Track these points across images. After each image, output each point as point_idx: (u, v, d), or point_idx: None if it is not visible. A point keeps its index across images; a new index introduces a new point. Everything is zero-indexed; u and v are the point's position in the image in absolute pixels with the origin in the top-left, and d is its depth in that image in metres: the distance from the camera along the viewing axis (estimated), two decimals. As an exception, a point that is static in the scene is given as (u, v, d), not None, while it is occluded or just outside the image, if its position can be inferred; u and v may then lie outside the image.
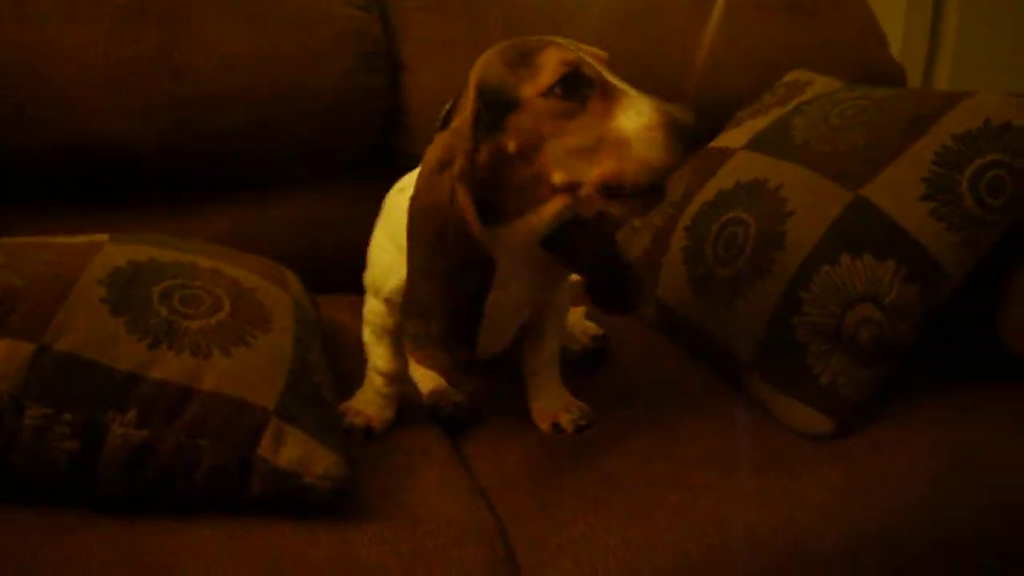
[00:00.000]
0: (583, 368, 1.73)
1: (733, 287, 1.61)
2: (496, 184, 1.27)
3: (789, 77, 2.01)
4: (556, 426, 1.54)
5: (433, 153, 1.27)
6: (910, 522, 1.40)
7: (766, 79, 2.10)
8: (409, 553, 1.22)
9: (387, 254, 1.42)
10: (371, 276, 1.49)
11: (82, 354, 1.18)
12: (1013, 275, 1.60)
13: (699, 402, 1.61)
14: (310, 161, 2.07)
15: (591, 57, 1.26)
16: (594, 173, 1.21)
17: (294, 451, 1.20)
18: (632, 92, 1.22)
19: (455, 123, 1.28)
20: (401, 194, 1.37)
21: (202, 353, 1.22)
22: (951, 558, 1.43)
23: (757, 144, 1.78)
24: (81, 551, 1.14)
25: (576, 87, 1.21)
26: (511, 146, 1.24)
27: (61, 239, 1.38)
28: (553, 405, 1.57)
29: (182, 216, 1.97)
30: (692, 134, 1.17)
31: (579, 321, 1.80)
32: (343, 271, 1.61)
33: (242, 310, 1.32)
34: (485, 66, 1.29)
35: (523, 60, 1.24)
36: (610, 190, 1.22)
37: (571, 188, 1.24)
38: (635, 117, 1.18)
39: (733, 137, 1.88)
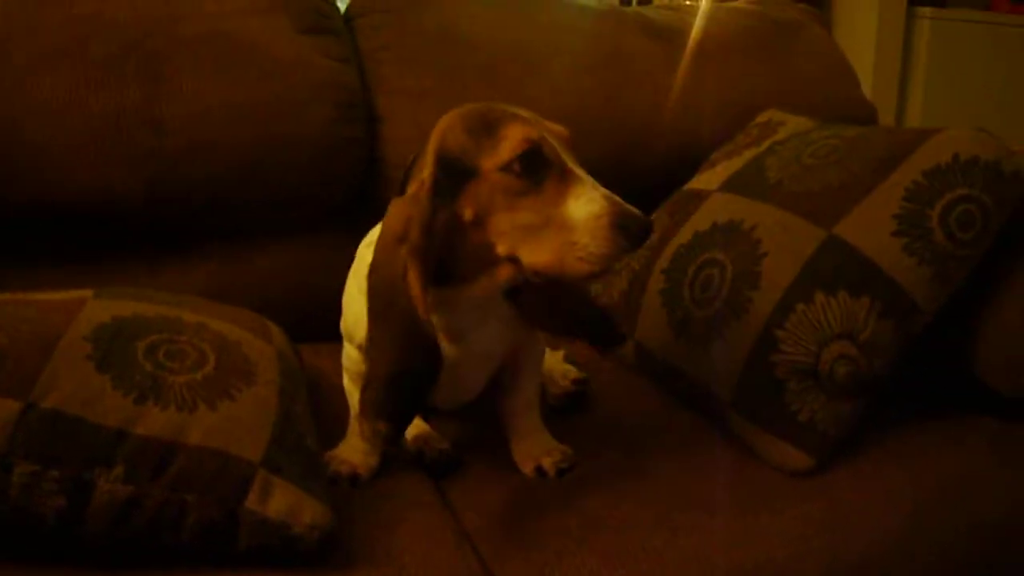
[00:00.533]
0: (564, 411, 1.75)
1: (711, 328, 1.63)
2: (452, 248, 1.29)
3: (762, 118, 2.04)
4: (539, 470, 1.55)
5: (390, 223, 1.29)
6: (890, 553, 1.42)
7: (739, 120, 2.13)
8: (395, 601, 1.23)
9: (357, 304, 1.43)
10: (345, 324, 1.52)
11: (68, 411, 1.18)
12: (984, 309, 1.63)
13: (681, 442, 1.62)
14: (291, 210, 2.08)
15: (553, 135, 1.29)
16: (532, 259, 1.24)
17: (281, 502, 1.21)
18: (587, 180, 1.24)
19: (412, 189, 1.30)
20: (369, 248, 1.38)
21: (187, 407, 1.23)
22: (931, 588, 1.44)
23: (732, 185, 1.81)
24: (67, 607, 1.13)
25: (534, 166, 1.24)
26: (467, 213, 1.27)
27: (44, 295, 1.39)
28: (535, 449, 1.57)
29: (163, 268, 1.97)
30: (639, 230, 1.21)
31: (558, 364, 1.81)
32: (326, 319, 1.62)
33: (227, 363, 1.32)
34: (446, 131, 1.31)
35: (486, 130, 1.27)
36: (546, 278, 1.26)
37: (514, 261, 1.27)
38: (585, 205, 1.21)
39: (708, 179, 1.90)
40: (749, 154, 1.87)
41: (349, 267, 1.52)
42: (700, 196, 1.86)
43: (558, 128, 1.33)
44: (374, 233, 1.46)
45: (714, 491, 1.48)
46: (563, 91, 2.25)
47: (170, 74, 1.90)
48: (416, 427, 1.66)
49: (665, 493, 1.47)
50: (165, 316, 1.37)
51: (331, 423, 1.59)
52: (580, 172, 1.25)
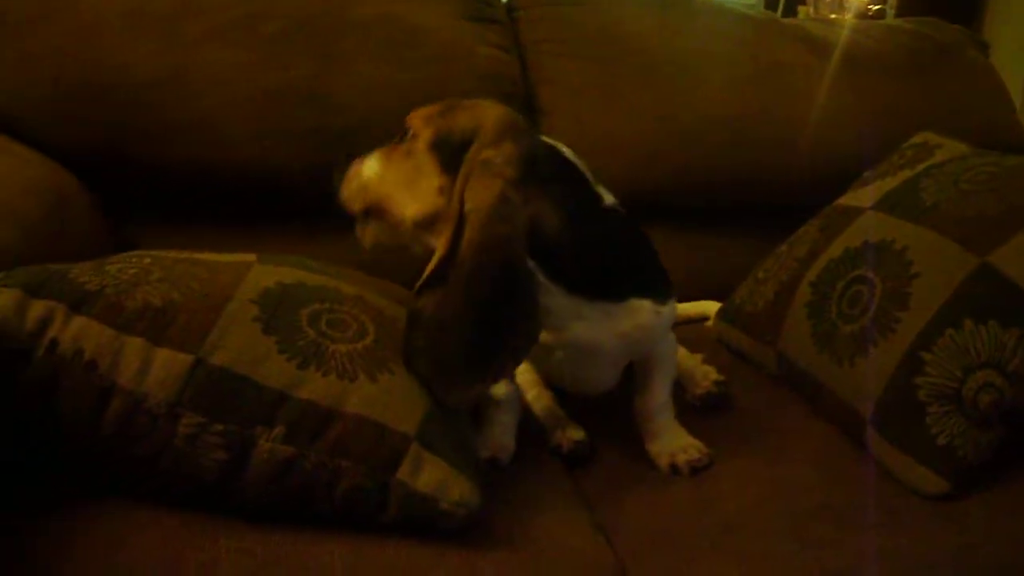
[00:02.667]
0: (703, 412, 1.76)
1: (856, 344, 1.63)
2: None
3: (917, 139, 2.01)
4: (673, 467, 1.57)
5: None
6: (1022, 585, 1.40)
7: (889, 139, 2.11)
8: (533, 584, 1.25)
9: None
10: None
11: (235, 369, 1.22)
12: None
13: (817, 454, 1.62)
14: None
15: None
16: None
17: (432, 477, 1.23)
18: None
19: None
20: None
21: (348, 376, 1.26)
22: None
23: (885, 205, 1.79)
24: (219, 558, 1.17)
25: None
26: None
27: (209, 256, 1.43)
28: (670, 445, 1.59)
29: (318, 237, 2.01)
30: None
31: (698, 365, 1.82)
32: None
33: (385, 338, 1.35)
34: None
35: None
36: None
37: None
38: None
39: (861, 196, 1.89)
40: (904, 175, 1.86)
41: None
42: (852, 213, 1.85)
43: None
44: None
45: (848, 507, 1.47)
46: (720, 100, 2.27)
47: (338, 53, 1.96)
48: (546, 408, 1.70)
49: (800, 503, 1.47)
50: (325, 286, 1.41)
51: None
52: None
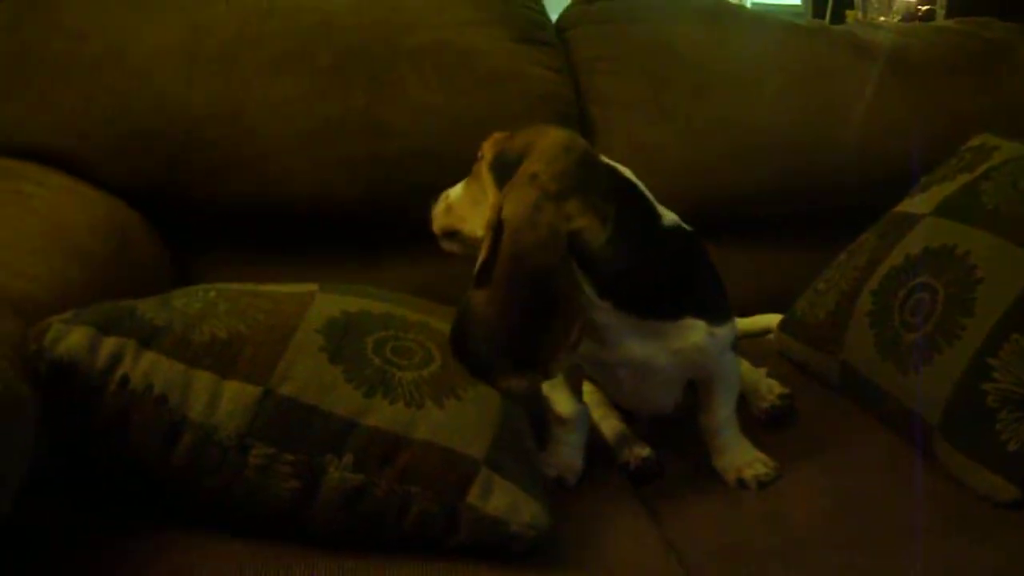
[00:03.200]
0: (769, 426, 1.76)
1: (920, 352, 1.62)
2: None
3: (975, 142, 1.99)
4: (740, 481, 1.57)
5: None
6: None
7: (945, 141, 2.09)
8: (603, 601, 1.25)
9: None
10: None
11: (303, 399, 1.23)
12: None
13: (883, 463, 1.61)
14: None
15: None
16: None
17: (502, 500, 1.24)
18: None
19: None
20: None
21: (415, 404, 1.27)
22: None
23: (945, 210, 1.78)
24: (292, 585, 1.18)
25: None
26: None
27: (272, 287, 1.44)
28: (737, 459, 1.60)
29: (377, 265, 2.05)
30: None
31: (763, 379, 1.82)
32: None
33: (451, 364, 1.36)
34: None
35: None
36: None
37: None
38: None
39: (920, 202, 1.88)
40: (963, 179, 1.84)
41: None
42: (912, 219, 1.84)
43: None
44: None
45: (917, 515, 1.46)
46: (772, 110, 2.26)
47: (392, 81, 1.98)
48: (613, 427, 1.71)
49: (868, 514, 1.47)
50: (390, 313, 1.42)
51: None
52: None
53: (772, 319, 2.15)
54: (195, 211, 1.98)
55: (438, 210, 1.59)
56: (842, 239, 2.06)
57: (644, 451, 1.63)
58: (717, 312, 1.50)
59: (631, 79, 2.21)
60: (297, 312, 1.35)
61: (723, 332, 1.51)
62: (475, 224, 1.48)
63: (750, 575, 1.34)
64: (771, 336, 2.13)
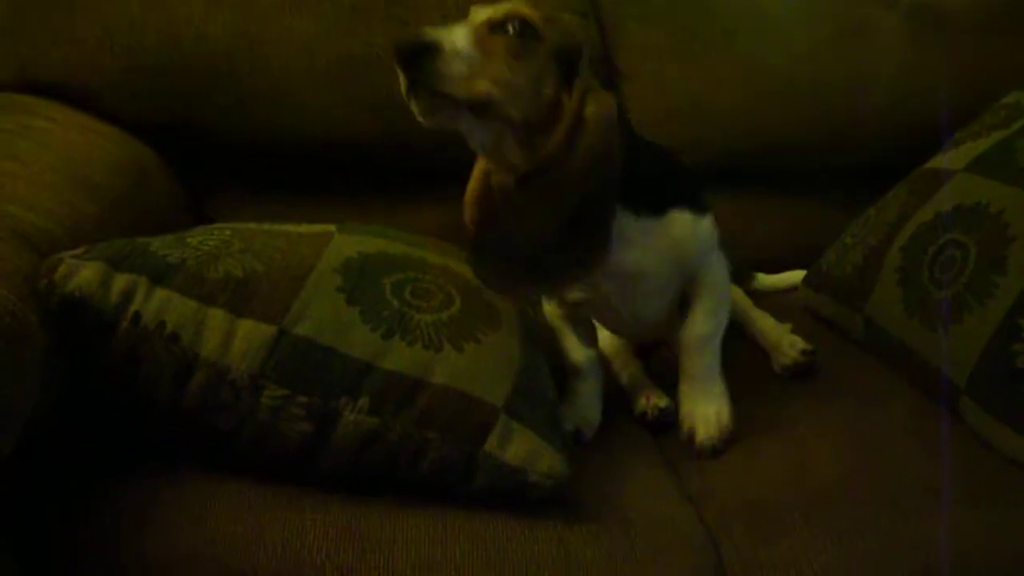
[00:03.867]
0: (790, 381, 1.74)
1: (949, 310, 1.58)
2: None
3: (1010, 99, 1.95)
4: (690, 433, 1.54)
5: None
6: None
7: (979, 98, 2.06)
8: (622, 555, 1.24)
9: None
10: None
11: (319, 340, 1.22)
12: None
13: (908, 422, 1.58)
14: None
15: None
16: None
17: (520, 448, 1.23)
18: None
19: None
20: None
21: (434, 347, 1.25)
22: None
23: (978, 166, 1.74)
24: (303, 527, 1.18)
25: None
26: None
27: (289, 227, 1.43)
28: (698, 406, 1.55)
29: (398, 207, 2.03)
30: (402, 52, 1.24)
31: (785, 335, 1.80)
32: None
33: (472, 307, 1.34)
34: None
35: None
36: None
37: None
38: None
39: (952, 159, 1.84)
40: (997, 136, 1.80)
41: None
42: (943, 176, 1.80)
43: None
44: None
45: (943, 477, 1.43)
46: (802, 60, 2.23)
47: (414, 19, 1.94)
48: (637, 379, 1.70)
49: (892, 473, 1.44)
50: (409, 255, 1.41)
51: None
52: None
53: (799, 275, 2.12)
54: (211, 148, 1.94)
55: (454, 70, 1.24)
56: (872, 195, 2.03)
57: (662, 401, 1.62)
58: (699, 205, 1.49)
59: (658, 25, 2.17)
60: (314, 252, 1.33)
61: (706, 223, 1.50)
62: (522, 108, 1.31)
63: (771, 530, 1.32)
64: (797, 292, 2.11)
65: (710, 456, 1.52)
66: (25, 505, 1.14)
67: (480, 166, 1.47)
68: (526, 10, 1.33)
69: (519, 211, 1.34)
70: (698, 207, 1.49)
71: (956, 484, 1.41)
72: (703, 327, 1.56)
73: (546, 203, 1.30)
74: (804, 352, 1.76)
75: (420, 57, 1.23)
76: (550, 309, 1.59)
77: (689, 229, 1.47)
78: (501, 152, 1.36)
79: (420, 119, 1.29)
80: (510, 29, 1.30)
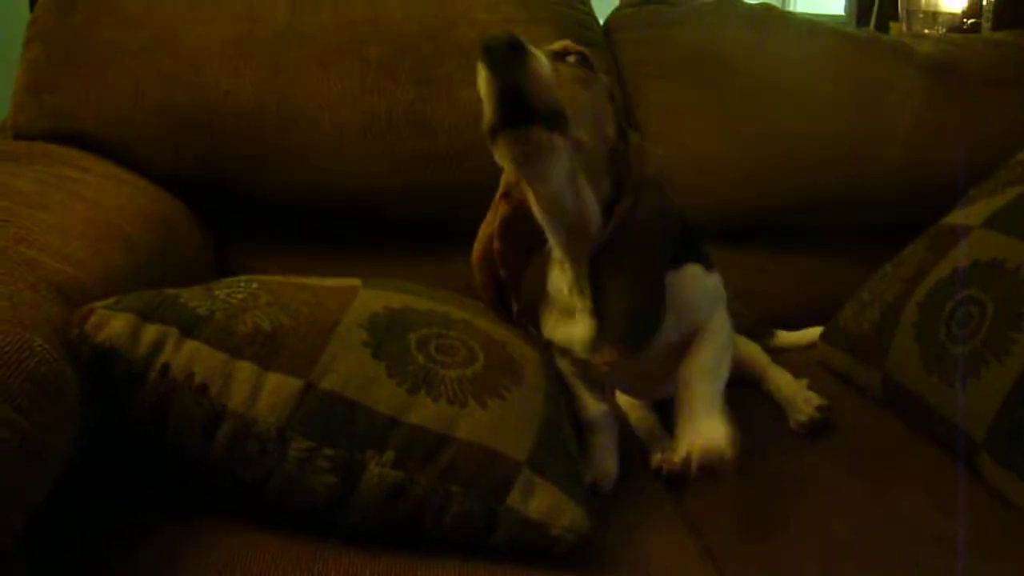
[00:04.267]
0: (806, 438, 1.75)
1: (967, 366, 1.59)
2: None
3: (1024, 155, 1.98)
4: (685, 460, 1.39)
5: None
6: None
7: (996, 155, 2.07)
8: (642, 609, 1.24)
9: None
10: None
11: (345, 394, 1.23)
12: None
13: (926, 478, 1.59)
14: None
15: None
16: None
17: (543, 503, 1.24)
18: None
19: None
20: None
21: (458, 402, 1.26)
22: None
23: (995, 223, 1.75)
24: (327, 580, 1.18)
25: None
26: None
27: (315, 280, 1.44)
28: (696, 434, 1.41)
29: (418, 262, 2.03)
30: (492, 51, 1.16)
31: (801, 391, 1.81)
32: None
33: (495, 363, 1.36)
34: None
35: None
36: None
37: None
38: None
39: (968, 215, 1.85)
40: (1013, 192, 1.81)
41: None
42: (960, 232, 1.81)
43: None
44: None
45: (962, 534, 1.44)
46: (822, 118, 2.26)
47: (440, 77, 1.98)
48: (653, 433, 1.72)
49: (909, 529, 1.45)
50: (434, 310, 1.42)
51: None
52: None
53: (818, 332, 2.13)
54: (239, 202, 1.97)
55: (543, 71, 1.19)
56: (887, 249, 2.05)
57: (677, 456, 1.60)
58: (708, 261, 1.52)
59: (678, 83, 2.20)
60: (340, 306, 1.35)
61: (715, 279, 1.53)
62: (592, 133, 1.31)
63: (790, 588, 1.32)
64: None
65: (709, 477, 1.38)
66: (45, 550, 1.15)
67: (486, 227, 1.50)
68: (583, 47, 1.36)
69: (616, 284, 1.37)
70: (707, 263, 1.51)
71: (972, 538, 1.42)
72: (703, 359, 1.50)
73: (641, 268, 1.35)
74: (819, 408, 1.76)
75: (511, 57, 1.16)
76: (563, 365, 1.58)
77: (701, 283, 1.50)
78: (578, 201, 1.35)
79: (503, 155, 1.25)
80: (571, 60, 1.33)
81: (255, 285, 1.36)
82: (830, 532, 1.44)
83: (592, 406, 1.57)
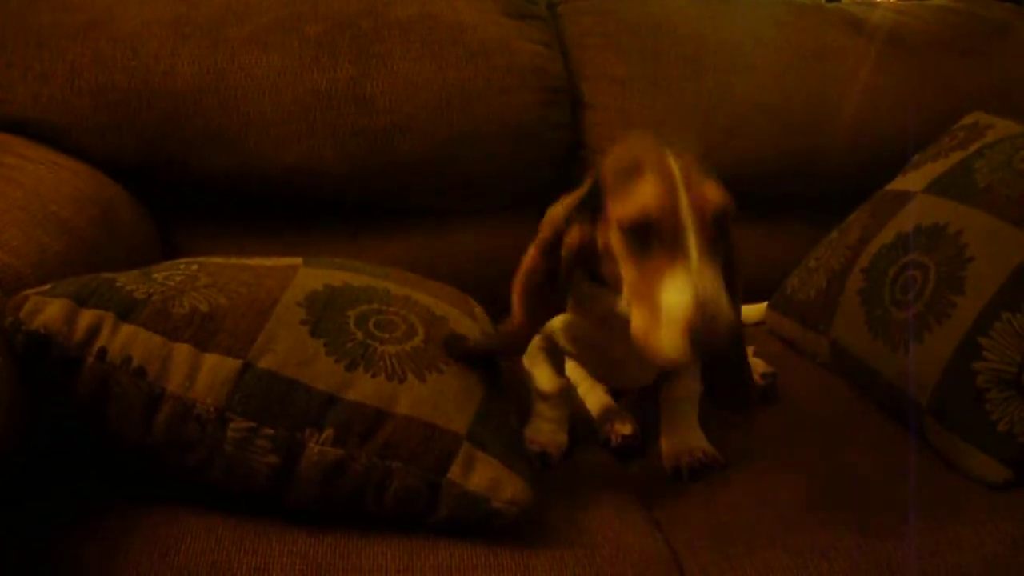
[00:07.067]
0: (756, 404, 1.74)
1: (910, 330, 1.60)
2: (592, 260, 1.32)
3: (968, 120, 1.98)
4: (676, 469, 1.52)
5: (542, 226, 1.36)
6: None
7: (940, 120, 2.08)
8: (588, 581, 1.24)
9: None
10: None
11: (283, 373, 1.23)
12: None
13: (873, 443, 1.60)
14: (492, 191, 2.13)
15: (684, 168, 1.21)
16: (630, 318, 1.22)
17: (483, 476, 1.23)
18: (692, 260, 1.15)
19: (567, 198, 1.36)
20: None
21: (397, 377, 1.26)
22: None
23: (937, 188, 1.77)
24: (270, 560, 1.19)
25: (643, 238, 1.18)
26: (599, 240, 1.28)
27: (256, 260, 1.44)
28: (680, 445, 1.55)
29: (363, 240, 2.04)
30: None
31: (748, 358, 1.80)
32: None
33: (435, 337, 1.35)
34: (611, 157, 1.30)
35: (627, 175, 1.21)
36: None
37: None
38: (675, 295, 1.15)
39: (912, 180, 1.86)
40: (955, 157, 1.82)
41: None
42: (903, 197, 1.82)
43: (691, 158, 1.24)
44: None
45: (907, 497, 1.44)
46: (767, 87, 2.24)
47: (380, 53, 1.96)
48: (599, 401, 1.72)
49: (858, 494, 1.46)
50: (373, 287, 1.41)
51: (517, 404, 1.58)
52: (692, 247, 1.16)
53: (763, 308, 2.14)
54: (181, 184, 1.96)
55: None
56: (834, 217, 2.06)
57: (626, 428, 1.62)
58: None
59: (623, 54, 2.19)
60: (279, 285, 1.34)
61: None
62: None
63: (737, 554, 1.32)
64: (765, 327, 2.12)
65: (692, 479, 1.51)
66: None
67: (533, 255, 1.39)
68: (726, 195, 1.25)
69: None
70: None
71: (921, 503, 1.42)
72: (684, 385, 1.60)
73: None
74: (764, 375, 1.77)
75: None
76: (536, 339, 1.57)
77: None
78: None
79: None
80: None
81: (194, 267, 1.36)
82: (778, 498, 1.45)
83: (551, 379, 1.58)
